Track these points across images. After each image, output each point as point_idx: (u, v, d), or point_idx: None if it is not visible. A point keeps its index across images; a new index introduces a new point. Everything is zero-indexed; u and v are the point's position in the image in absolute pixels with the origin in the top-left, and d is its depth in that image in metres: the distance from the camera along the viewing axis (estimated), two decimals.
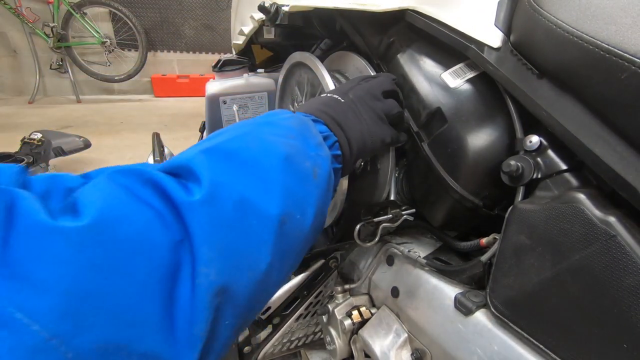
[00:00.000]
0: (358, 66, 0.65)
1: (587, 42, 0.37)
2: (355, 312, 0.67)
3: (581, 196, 0.37)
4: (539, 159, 0.44)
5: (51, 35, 3.45)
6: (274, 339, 0.77)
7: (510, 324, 0.42)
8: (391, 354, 0.58)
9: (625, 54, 0.34)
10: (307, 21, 0.73)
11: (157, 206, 0.25)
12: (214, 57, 4.11)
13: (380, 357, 0.58)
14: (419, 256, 0.58)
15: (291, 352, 0.88)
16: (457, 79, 0.52)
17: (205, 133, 1.06)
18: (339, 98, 0.46)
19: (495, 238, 0.50)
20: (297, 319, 0.76)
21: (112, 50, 3.70)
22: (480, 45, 0.48)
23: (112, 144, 2.75)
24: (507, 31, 0.47)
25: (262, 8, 0.71)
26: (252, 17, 0.86)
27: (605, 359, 0.34)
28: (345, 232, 0.68)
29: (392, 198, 0.63)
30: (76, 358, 0.19)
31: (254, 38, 0.95)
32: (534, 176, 0.44)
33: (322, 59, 0.74)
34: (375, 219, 0.58)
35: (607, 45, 0.35)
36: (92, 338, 0.20)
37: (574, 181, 0.41)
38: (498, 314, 0.44)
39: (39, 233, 0.20)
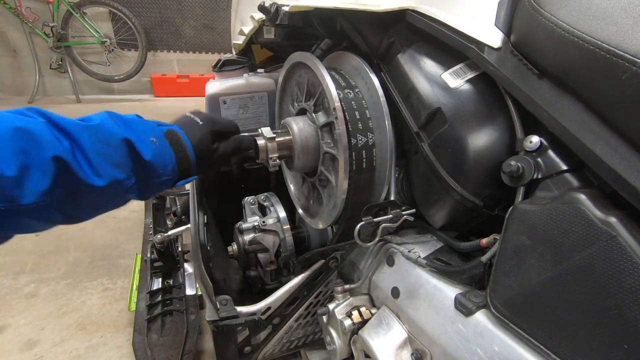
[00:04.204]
0: (355, 65, 0.65)
1: (588, 43, 0.37)
2: (355, 313, 0.67)
3: (582, 196, 0.37)
4: (539, 159, 0.44)
5: (51, 34, 3.44)
6: (274, 339, 0.77)
7: (511, 325, 0.42)
8: (391, 355, 0.58)
9: (625, 55, 0.34)
10: (307, 21, 0.73)
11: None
12: (214, 57, 4.10)
13: (380, 357, 0.58)
14: (419, 256, 0.58)
15: (291, 352, 0.88)
16: (457, 79, 0.52)
17: None
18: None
19: (495, 238, 0.50)
20: (297, 319, 0.76)
21: (112, 50, 3.69)
22: (481, 45, 0.47)
23: None
24: (508, 31, 0.47)
25: (262, 8, 0.71)
26: (252, 17, 0.86)
27: (606, 359, 0.34)
28: (345, 232, 0.68)
29: (392, 198, 0.63)
30: None
31: (254, 38, 0.95)
32: (535, 176, 0.44)
33: (322, 59, 0.74)
34: (376, 219, 0.58)
35: (607, 46, 0.35)
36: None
37: (574, 181, 0.41)
38: (498, 315, 0.44)
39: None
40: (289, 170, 0.86)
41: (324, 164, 0.66)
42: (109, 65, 3.75)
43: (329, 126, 0.63)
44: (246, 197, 0.90)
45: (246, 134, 0.67)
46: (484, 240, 0.51)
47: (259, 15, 0.79)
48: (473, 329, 0.47)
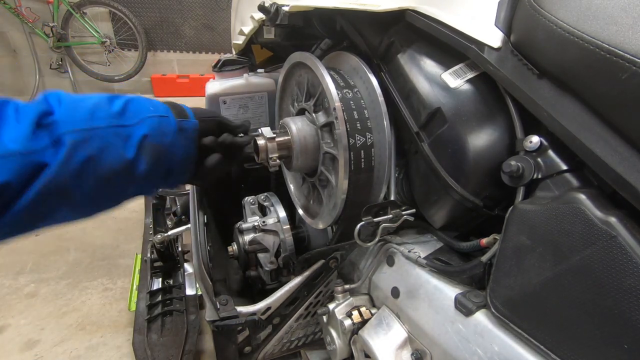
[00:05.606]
0: (354, 65, 0.65)
1: (588, 43, 0.37)
2: (355, 313, 0.67)
3: (582, 196, 0.37)
4: (539, 159, 0.44)
5: (51, 35, 3.45)
6: (274, 339, 0.77)
7: (511, 325, 0.42)
8: (391, 355, 0.58)
9: (625, 54, 0.34)
10: (307, 21, 0.73)
11: None
12: (214, 57, 4.10)
13: (380, 357, 0.58)
14: (419, 256, 0.58)
15: (291, 352, 0.88)
16: (457, 79, 0.52)
17: None
18: None
19: (495, 238, 0.50)
20: (297, 319, 0.76)
21: (112, 50, 3.69)
22: (481, 45, 0.47)
23: None
24: (508, 31, 0.47)
25: (262, 8, 0.71)
26: (252, 17, 0.86)
27: (606, 359, 0.34)
28: (345, 232, 0.68)
29: (392, 198, 0.63)
30: None
31: (254, 38, 0.95)
32: (535, 176, 0.44)
33: (321, 59, 0.74)
34: (376, 219, 0.58)
35: (607, 46, 0.35)
36: None
37: (574, 181, 0.41)
38: (498, 315, 0.44)
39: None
40: (288, 171, 0.86)
41: (324, 164, 0.66)
42: (109, 65, 3.75)
43: (329, 126, 0.63)
44: (246, 197, 0.90)
45: (240, 136, 0.64)
46: (484, 240, 0.51)
47: (259, 15, 0.79)
48: (473, 329, 0.47)
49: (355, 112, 0.60)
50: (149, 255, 1.33)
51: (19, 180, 0.36)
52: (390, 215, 0.58)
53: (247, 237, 0.81)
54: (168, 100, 0.53)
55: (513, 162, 0.45)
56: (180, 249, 1.35)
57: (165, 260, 1.32)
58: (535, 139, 0.44)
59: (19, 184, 0.37)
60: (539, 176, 0.44)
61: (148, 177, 0.47)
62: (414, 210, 0.60)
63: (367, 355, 0.63)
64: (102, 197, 0.45)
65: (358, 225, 0.57)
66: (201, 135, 0.54)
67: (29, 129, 0.37)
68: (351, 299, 0.69)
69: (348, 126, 0.58)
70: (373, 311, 0.67)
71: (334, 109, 0.57)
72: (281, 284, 0.72)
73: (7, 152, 0.36)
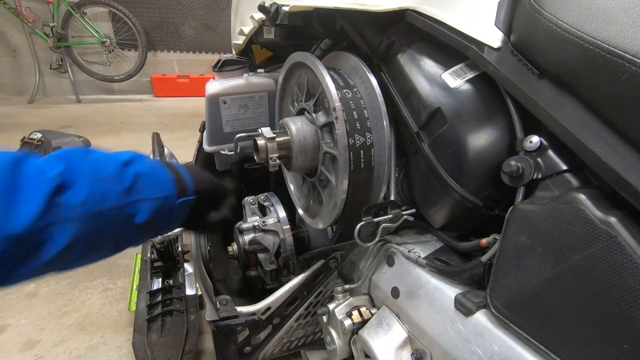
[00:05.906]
0: (353, 65, 0.65)
1: (588, 43, 0.37)
2: (355, 313, 0.67)
3: (582, 196, 0.37)
4: (539, 159, 0.44)
5: (51, 35, 3.45)
6: (274, 339, 0.77)
7: (511, 325, 0.42)
8: (391, 355, 0.58)
9: (625, 55, 0.34)
10: (307, 21, 0.73)
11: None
12: (214, 57, 4.11)
13: (380, 357, 0.58)
14: (419, 256, 0.58)
15: (291, 352, 0.88)
16: (457, 79, 0.52)
17: (205, 133, 1.06)
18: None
19: (495, 238, 0.50)
20: (297, 319, 0.76)
21: (112, 50, 3.70)
22: (481, 45, 0.47)
23: (111, 143, 2.75)
24: (508, 31, 0.47)
25: (262, 8, 0.71)
26: (252, 17, 0.86)
27: (605, 358, 0.34)
28: (345, 232, 0.68)
29: (392, 198, 0.63)
30: None
31: (254, 38, 0.94)
32: (535, 176, 0.44)
33: (321, 59, 0.74)
34: (376, 219, 0.58)
35: (607, 46, 0.35)
36: None
37: (574, 181, 0.41)
38: (498, 315, 0.44)
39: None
40: (288, 171, 0.86)
41: (324, 164, 0.66)
42: (109, 65, 3.76)
43: (328, 126, 0.63)
44: (246, 197, 0.90)
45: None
46: (484, 240, 0.51)
47: (259, 15, 0.79)
48: (473, 329, 0.47)
49: (355, 112, 0.60)
50: (149, 255, 1.33)
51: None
52: (390, 215, 0.58)
53: (247, 237, 0.81)
54: (173, 164, 0.55)
55: (513, 162, 0.45)
56: (180, 249, 1.35)
57: (165, 260, 1.32)
58: (535, 139, 0.44)
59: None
60: (539, 176, 0.44)
61: (140, 239, 0.51)
62: (414, 210, 0.60)
63: (367, 355, 0.63)
64: (85, 259, 0.47)
65: (358, 225, 0.57)
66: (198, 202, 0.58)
67: (41, 207, 0.37)
68: (351, 299, 0.69)
69: (348, 126, 0.58)
70: (373, 311, 0.67)
71: (334, 109, 0.57)
72: (281, 284, 0.72)
73: (10, 235, 0.35)
